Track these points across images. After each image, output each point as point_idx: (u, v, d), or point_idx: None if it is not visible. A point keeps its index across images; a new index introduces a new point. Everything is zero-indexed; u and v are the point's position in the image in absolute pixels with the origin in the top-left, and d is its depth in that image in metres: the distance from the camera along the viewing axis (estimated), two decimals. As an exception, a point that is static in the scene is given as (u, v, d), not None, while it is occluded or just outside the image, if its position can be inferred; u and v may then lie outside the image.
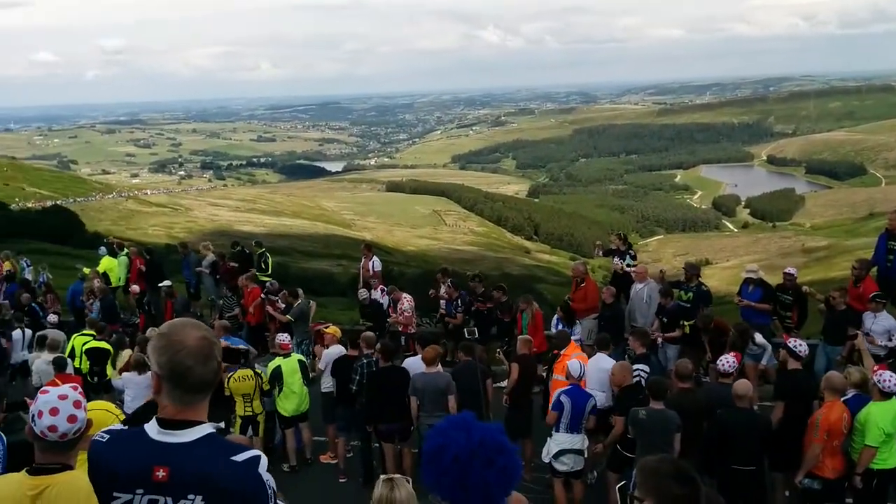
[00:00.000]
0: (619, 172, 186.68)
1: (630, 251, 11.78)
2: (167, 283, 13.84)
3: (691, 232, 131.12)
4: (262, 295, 12.80)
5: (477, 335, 9.10)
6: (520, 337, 9.01)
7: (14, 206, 78.20)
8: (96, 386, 9.64)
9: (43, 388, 2.65)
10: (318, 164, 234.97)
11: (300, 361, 8.74)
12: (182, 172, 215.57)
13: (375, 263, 13.95)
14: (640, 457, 6.12)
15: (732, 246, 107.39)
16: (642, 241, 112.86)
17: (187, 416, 2.03)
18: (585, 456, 7.00)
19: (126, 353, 10.07)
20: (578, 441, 6.89)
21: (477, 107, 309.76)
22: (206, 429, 2.06)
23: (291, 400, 8.44)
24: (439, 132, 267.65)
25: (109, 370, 9.90)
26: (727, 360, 7.01)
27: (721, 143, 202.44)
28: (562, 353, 8.19)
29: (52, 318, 12.99)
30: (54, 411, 2.45)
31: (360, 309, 12.79)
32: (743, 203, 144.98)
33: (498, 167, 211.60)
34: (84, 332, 10.68)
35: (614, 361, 7.60)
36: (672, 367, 7.75)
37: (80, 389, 2.56)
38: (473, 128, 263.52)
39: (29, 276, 16.56)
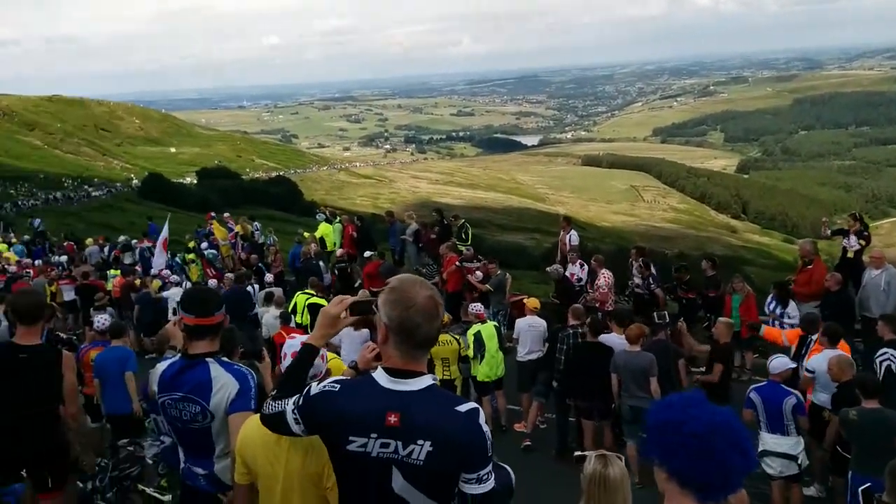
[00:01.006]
0: (846, 146, 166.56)
1: (865, 232, 10.47)
2: (369, 252, 14.71)
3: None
4: (457, 262, 13.15)
5: (668, 320, 8.69)
6: (721, 320, 8.36)
7: (245, 175, 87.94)
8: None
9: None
10: (514, 137, 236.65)
11: (496, 327, 8.96)
12: (388, 146, 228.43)
13: (573, 237, 13.78)
14: (854, 462, 5.55)
15: None
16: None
17: (412, 367, 2.15)
18: (800, 462, 6.34)
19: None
20: (787, 444, 6.25)
21: (683, 76, 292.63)
22: (429, 380, 2.17)
23: (491, 365, 8.62)
24: (640, 104, 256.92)
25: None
26: None
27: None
28: (815, 338, 7.44)
29: (269, 277, 14.38)
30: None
31: (556, 284, 12.73)
32: None
33: (704, 140, 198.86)
34: (306, 290, 11.70)
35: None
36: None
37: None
38: (678, 99, 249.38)
39: (259, 239, 18.53)
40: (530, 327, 8.96)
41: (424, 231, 15.56)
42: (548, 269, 12.49)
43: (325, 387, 2.21)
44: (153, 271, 15.79)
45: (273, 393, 2.41)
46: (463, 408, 2.12)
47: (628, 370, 7.24)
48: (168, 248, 17.52)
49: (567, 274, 12.00)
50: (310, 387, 2.25)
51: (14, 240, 24.82)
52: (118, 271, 16.56)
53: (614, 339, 7.80)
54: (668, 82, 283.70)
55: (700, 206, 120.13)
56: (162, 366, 3.21)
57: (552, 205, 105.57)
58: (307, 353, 2.52)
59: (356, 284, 14.14)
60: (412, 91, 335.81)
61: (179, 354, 3.23)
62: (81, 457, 4.41)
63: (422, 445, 2.07)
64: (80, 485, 4.61)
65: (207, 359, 3.10)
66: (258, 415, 2.55)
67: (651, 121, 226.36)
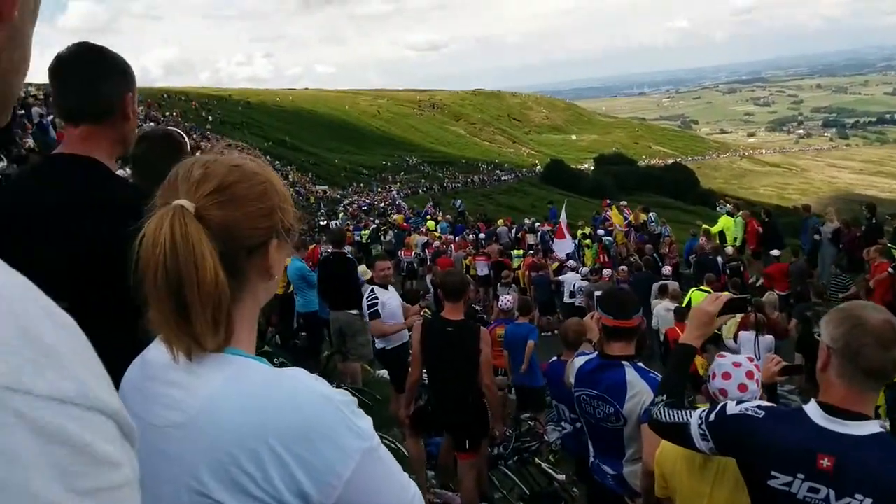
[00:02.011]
0: None
1: None
2: (776, 251, 13.32)
3: None
4: (890, 270, 11.15)
5: None
6: None
7: (641, 162, 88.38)
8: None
9: (720, 353, 2.78)
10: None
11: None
12: (801, 131, 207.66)
13: None
14: None
15: None
16: None
17: (854, 407, 1.87)
18: None
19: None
20: None
21: None
22: (877, 426, 1.87)
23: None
24: None
25: (727, 329, 10.04)
26: None
27: None
28: None
29: (666, 269, 13.95)
30: (726, 376, 2.52)
31: None
32: None
33: None
34: (700, 287, 11.14)
35: None
36: None
37: (755, 362, 2.56)
38: None
39: (656, 229, 18.34)
40: None
41: (847, 230, 13.55)
42: None
43: (746, 409, 2.04)
44: (559, 256, 16.57)
45: (663, 398, 2.28)
46: None
47: None
48: (566, 233, 18.11)
49: None
50: (726, 404, 2.11)
51: (440, 217, 29.02)
52: (521, 251, 18.03)
53: None
54: None
55: None
56: (580, 360, 3.29)
57: None
58: (685, 354, 2.39)
59: (756, 285, 13.00)
60: (835, 68, 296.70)
61: (596, 352, 3.29)
62: (493, 424, 4.86)
63: (861, 501, 1.78)
64: (489, 450, 5.09)
65: (624, 362, 3.10)
66: None
67: None
